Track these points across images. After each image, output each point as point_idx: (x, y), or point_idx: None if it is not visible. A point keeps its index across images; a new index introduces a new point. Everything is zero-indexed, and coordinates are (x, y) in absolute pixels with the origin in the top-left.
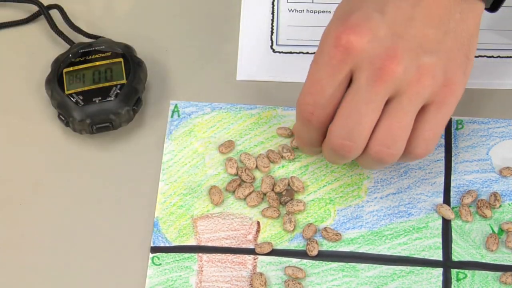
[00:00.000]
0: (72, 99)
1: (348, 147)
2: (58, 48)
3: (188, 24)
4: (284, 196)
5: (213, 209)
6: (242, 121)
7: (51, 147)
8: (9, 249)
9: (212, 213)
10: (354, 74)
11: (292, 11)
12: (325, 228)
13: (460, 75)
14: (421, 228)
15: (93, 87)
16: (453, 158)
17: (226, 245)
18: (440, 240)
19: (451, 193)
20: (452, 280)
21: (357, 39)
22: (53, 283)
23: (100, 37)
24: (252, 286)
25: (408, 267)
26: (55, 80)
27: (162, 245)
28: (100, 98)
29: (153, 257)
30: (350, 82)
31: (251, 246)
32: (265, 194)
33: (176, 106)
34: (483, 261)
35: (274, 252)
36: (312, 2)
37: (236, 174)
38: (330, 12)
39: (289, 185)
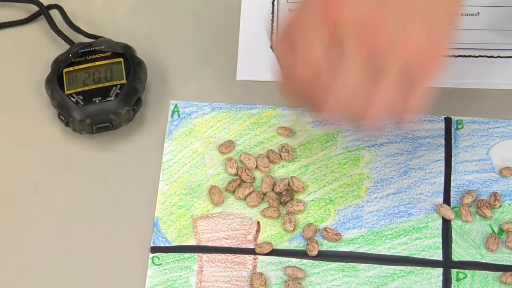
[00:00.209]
0: (72, 99)
1: (344, 114)
2: (58, 48)
3: (188, 24)
4: (284, 196)
5: (213, 209)
6: (242, 121)
7: (51, 147)
8: (9, 249)
9: (212, 213)
10: (342, 43)
11: (292, 11)
12: (325, 228)
13: (445, 45)
14: (421, 228)
15: (93, 87)
16: (453, 158)
17: (226, 245)
18: (440, 240)
19: (451, 193)
20: (452, 280)
21: (343, 10)
22: (53, 283)
23: (100, 37)
24: (252, 286)
25: (408, 267)
26: (55, 80)
27: (162, 245)
28: (100, 98)
29: (153, 257)
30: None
31: (251, 246)
32: (265, 194)
33: (176, 106)
34: (483, 261)
35: (274, 252)
36: None
37: (236, 174)
38: None
39: (289, 185)
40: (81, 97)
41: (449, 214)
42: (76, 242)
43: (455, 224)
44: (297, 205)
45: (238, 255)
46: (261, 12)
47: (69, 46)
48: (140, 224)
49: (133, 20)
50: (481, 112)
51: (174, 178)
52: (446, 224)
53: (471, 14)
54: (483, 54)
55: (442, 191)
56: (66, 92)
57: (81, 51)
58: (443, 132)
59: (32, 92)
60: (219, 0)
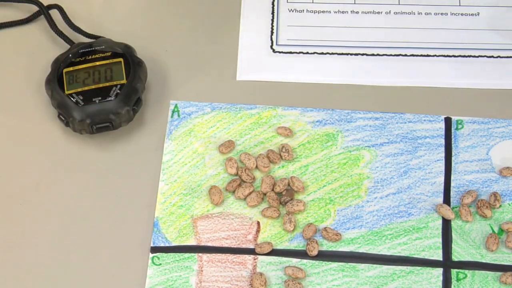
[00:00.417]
0: (72, 99)
1: None
2: (58, 48)
3: (188, 24)
4: (284, 196)
5: (213, 209)
6: (242, 121)
7: (51, 147)
8: (9, 249)
9: (212, 213)
10: None
11: (292, 11)
12: (325, 228)
13: None
14: (421, 228)
15: (93, 87)
16: (453, 158)
17: (226, 245)
18: (440, 240)
19: (451, 193)
20: (452, 280)
21: None
22: (53, 283)
23: (100, 37)
24: (252, 286)
25: (408, 267)
26: (55, 80)
27: (162, 245)
28: (100, 98)
29: (153, 257)
30: None
31: (251, 246)
32: (265, 194)
33: (176, 106)
34: (483, 261)
35: (274, 252)
36: (312, 2)
37: (236, 174)
38: (330, 12)
39: (289, 185)
40: (81, 97)
41: (449, 214)
42: (76, 242)
43: (455, 224)
44: (297, 205)
45: (238, 255)
46: (261, 12)
47: (69, 46)
48: (140, 224)
49: (133, 20)
50: (481, 112)
51: (174, 178)
52: (446, 224)
53: (471, 14)
54: (483, 54)
55: (442, 191)
56: (66, 92)
57: (81, 51)
58: (443, 132)
59: (32, 92)
60: (219, 0)
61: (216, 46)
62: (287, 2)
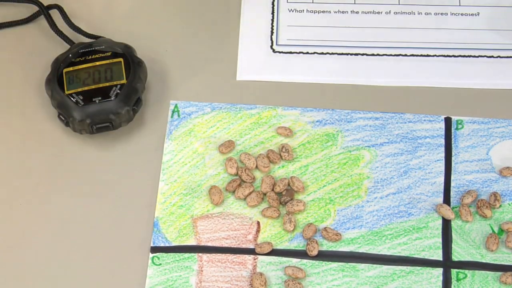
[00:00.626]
0: (72, 99)
1: None
2: (58, 48)
3: (188, 24)
4: (284, 196)
5: (213, 209)
6: (242, 121)
7: (51, 147)
8: (9, 249)
9: (212, 213)
10: None
11: (292, 11)
12: (325, 228)
13: None
14: (421, 228)
15: (93, 87)
16: (453, 158)
17: (226, 245)
18: (440, 240)
19: (451, 193)
20: (452, 280)
21: None
22: (53, 283)
23: (100, 37)
24: (252, 286)
25: (408, 267)
26: (55, 80)
27: (162, 245)
28: (100, 98)
29: (153, 257)
30: None
31: (251, 246)
32: (265, 194)
33: (176, 106)
34: (483, 261)
35: (274, 252)
36: (312, 2)
37: (236, 174)
38: (330, 12)
39: (289, 185)
40: (81, 97)
41: (449, 214)
42: (76, 242)
43: (455, 224)
44: (297, 205)
45: (238, 255)
46: (261, 12)
47: (69, 46)
48: (140, 224)
49: (133, 20)
50: (481, 112)
51: (174, 178)
52: (446, 224)
53: (471, 14)
54: (483, 54)
55: (442, 191)
56: (66, 92)
57: (81, 51)
58: (443, 132)
59: (32, 92)
60: (219, 0)
61: (216, 46)
62: (287, 2)
